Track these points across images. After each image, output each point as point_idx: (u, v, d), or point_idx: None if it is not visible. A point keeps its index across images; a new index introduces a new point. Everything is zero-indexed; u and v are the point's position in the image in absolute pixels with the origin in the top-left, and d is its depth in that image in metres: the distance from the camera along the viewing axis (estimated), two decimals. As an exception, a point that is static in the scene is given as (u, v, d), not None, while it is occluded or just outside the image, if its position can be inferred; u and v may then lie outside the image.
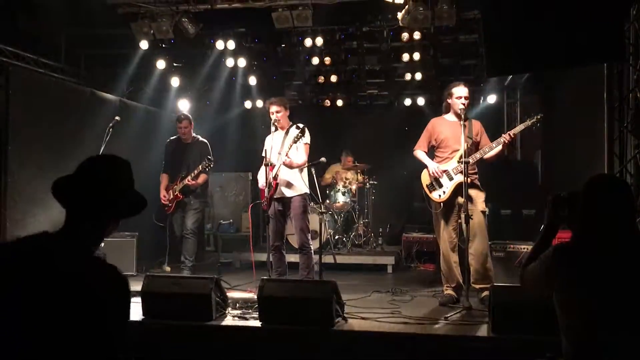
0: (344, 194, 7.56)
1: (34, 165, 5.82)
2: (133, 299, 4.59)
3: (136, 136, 7.37)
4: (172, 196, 5.85)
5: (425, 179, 4.77)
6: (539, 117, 4.51)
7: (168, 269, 6.31)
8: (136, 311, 4.16)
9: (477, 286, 4.53)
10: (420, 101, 8.60)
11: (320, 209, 5.26)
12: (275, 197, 4.98)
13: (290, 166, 4.92)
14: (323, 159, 5.25)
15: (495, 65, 4.81)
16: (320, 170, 7.33)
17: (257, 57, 7.74)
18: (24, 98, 5.87)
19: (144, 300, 4.10)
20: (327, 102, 8.77)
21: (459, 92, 4.67)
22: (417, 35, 6.55)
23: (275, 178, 4.92)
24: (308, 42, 6.86)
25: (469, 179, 4.36)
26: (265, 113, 5.62)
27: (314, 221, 5.85)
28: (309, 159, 5.09)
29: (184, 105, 8.29)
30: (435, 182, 4.67)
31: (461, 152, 4.45)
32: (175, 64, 7.73)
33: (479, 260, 4.46)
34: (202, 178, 5.78)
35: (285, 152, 4.90)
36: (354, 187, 7.72)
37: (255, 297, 4.07)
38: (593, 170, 5.42)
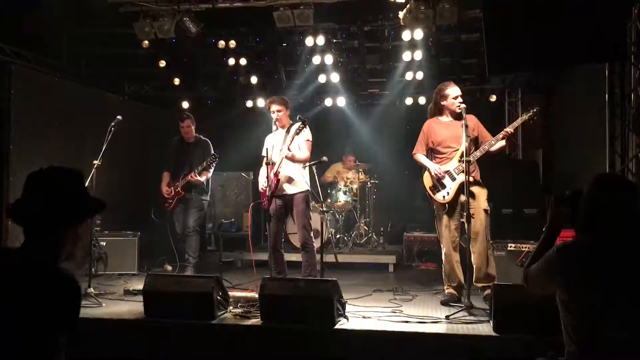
0: (345, 193, 7.57)
1: (36, 164, 5.77)
2: (136, 298, 4.64)
3: (138, 135, 7.39)
4: (173, 192, 5.87)
5: (427, 181, 4.72)
6: (535, 110, 4.50)
7: (169, 267, 6.33)
8: (138, 310, 4.17)
9: (479, 285, 4.52)
10: (422, 100, 8.58)
11: (322, 207, 5.27)
12: (276, 194, 4.92)
13: (292, 159, 4.88)
14: (324, 158, 5.23)
15: (497, 64, 4.80)
16: (321, 170, 7.32)
17: (258, 56, 7.74)
18: (25, 97, 5.89)
19: (146, 299, 4.10)
20: (329, 102, 8.76)
21: (455, 92, 4.64)
22: (418, 34, 6.54)
23: (276, 174, 4.86)
24: (309, 41, 6.85)
25: (471, 177, 4.35)
26: (266, 112, 5.62)
27: (315, 220, 5.84)
28: (310, 157, 5.05)
29: (185, 105, 8.31)
30: (438, 184, 4.62)
31: (462, 151, 4.43)
32: (176, 63, 7.74)
33: (481, 258, 4.46)
34: (204, 176, 5.80)
35: (287, 146, 4.86)
36: (355, 186, 7.73)
37: (257, 295, 4.08)
38: (594, 169, 5.42)
